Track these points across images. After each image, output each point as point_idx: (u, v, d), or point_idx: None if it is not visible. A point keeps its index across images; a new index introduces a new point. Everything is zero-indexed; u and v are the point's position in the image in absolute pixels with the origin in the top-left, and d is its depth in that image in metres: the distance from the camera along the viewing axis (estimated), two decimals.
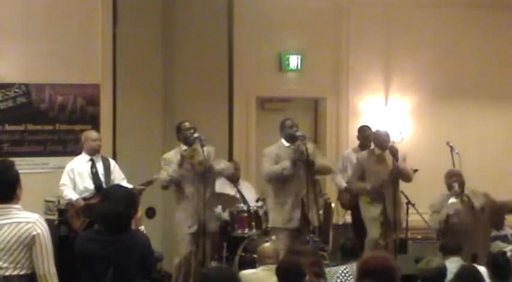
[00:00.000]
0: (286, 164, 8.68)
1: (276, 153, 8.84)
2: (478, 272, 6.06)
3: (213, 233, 9.01)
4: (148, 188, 9.03)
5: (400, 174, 9.23)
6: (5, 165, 5.14)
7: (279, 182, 8.80)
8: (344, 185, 10.33)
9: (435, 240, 8.85)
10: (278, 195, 8.85)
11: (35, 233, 4.94)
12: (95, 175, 9.00)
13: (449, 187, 8.95)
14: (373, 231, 9.24)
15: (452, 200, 8.64)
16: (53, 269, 5.00)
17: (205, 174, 8.64)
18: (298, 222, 8.77)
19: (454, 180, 8.77)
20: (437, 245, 7.88)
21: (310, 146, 8.92)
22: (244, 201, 9.90)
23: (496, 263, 6.20)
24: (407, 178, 9.36)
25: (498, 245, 9.49)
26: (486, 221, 8.91)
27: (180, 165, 8.64)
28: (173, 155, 8.82)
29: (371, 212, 9.32)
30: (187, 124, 8.88)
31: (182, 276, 8.73)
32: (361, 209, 9.55)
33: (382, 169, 9.27)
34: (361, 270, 4.41)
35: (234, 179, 10.17)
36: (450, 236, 8.42)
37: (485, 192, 9.11)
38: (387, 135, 9.49)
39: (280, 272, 5.83)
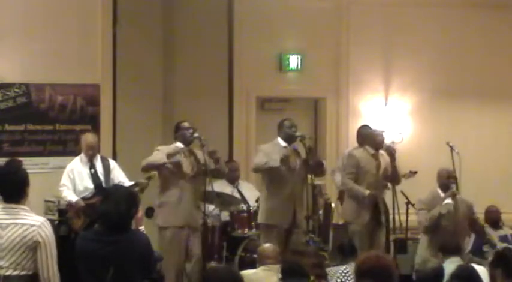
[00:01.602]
0: (276, 162, 8.64)
1: (270, 151, 8.79)
2: (474, 271, 6.03)
3: (211, 230, 9.02)
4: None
5: (394, 175, 9.15)
6: (14, 165, 5.22)
7: (265, 174, 8.77)
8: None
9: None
10: (271, 193, 8.82)
11: (38, 237, 4.98)
12: (93, 175, 9.02)
13: (444, 187, 8.95)
14: (360, 246, 8.92)
15: (448, 200, 8.67)
16: (56, 272, 5.04)
17: (203, 175, 8.62)
18: (288, 223, 8.73)
19: (452, 181, 8.78)
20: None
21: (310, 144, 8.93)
22: (244, 201, 9.90)
23: (507, 261, 6.06)
24: (398, 180, 9.28)
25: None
26: (466, 228, 9.02)
27: (167, 159, 8.56)
28: (167, 149, 8.77)
29: (356, 222, 9.05)
30: (186, 124, 8.86)
31: (175, 275, 8.69)
32: (344, 214, 9.42)
33: (375, 169, 9.20)
34: (359, 271, 4.41)
35: (233, 179, 10.16)
36: (439, 234, 8.46)
37: (471, 204, 9.13)
38: (381, 135, 9.43)
39: (287, 272, 5.80)
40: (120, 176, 9.05)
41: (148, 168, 8.64)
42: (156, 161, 8.53)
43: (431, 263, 5.93)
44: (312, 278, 5.75)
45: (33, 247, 4.98)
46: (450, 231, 8.60)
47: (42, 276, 5.00)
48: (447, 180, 8.87)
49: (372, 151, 9.22)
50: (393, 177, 9.15)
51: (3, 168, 5.24)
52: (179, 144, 8.74)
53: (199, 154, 8.68)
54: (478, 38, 11.91)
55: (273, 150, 8.81)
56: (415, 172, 10.05)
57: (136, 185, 8.72)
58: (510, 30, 12.00)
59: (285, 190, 8.74)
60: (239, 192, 10.10)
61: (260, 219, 8.97)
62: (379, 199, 9.14)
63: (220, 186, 9.75)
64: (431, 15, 11.86)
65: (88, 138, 9.29)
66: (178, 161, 8.56)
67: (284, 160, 8.65)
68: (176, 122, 9.02)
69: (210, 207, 9.18)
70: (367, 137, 9.40)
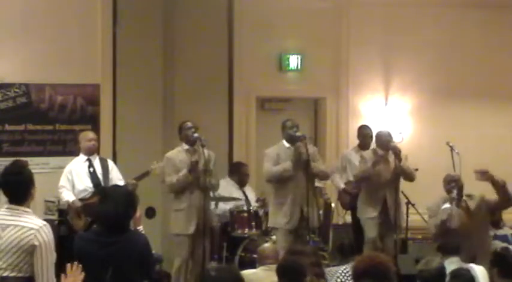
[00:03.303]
0: (288, 164, 8.70)
1: (277, 154, 8.87)
2: (469, 272, 6.02)
3: (213, 231, 9.03)
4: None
5: (403, 174, 9.26)
6: (19, 165, 5.20)
7: (279, 182, 8.81)
8: (342, 186, 10.27)
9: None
10: (278, 196, 8.88)
11: (35, 241, 4.96)
12: (93, 174, 9.01)
13: (448, 192, 8.93)
14: (370, 233, 9.24)
15: (445, 205, 8.64)
16: (52, 278, 5.01)
17: (205, 175, 8.62)
18: (297, 222, 8.77)
19: (453, 185, 8.77)
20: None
21: (310, 147, 8.93)
22: (248, 203, 9.93)
23: (504, 260, 6.04)
24: (411, 177, 9.37)
25: (497, 245, 9.48)
26: (484, 221, 8.89)
27: (192, 171, 8.62)
28: (176, 154, 8.81)
29: (368, 213, 9.32)
30: (188, 123, 8.88)
31: (182, 277, 8.71)
32: (358, 209, 9.55)
33: (385, 169, 9.27)
34: (355, 273, 4.42)
35: (243, 183, 10.22)
36: (448, 238, 8.41)
37: (482, 195, 9.09)
38: (389, 135, 9.48)
39: (281, 271, 5.82)
40: (117, 178, 9.04)
41: (178, 189, 8.71)
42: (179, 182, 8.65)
43: (434, 262, 5.91)
44: (308, 277, 5.75)
45: (30, 251, 4.96)
46: (464, 233, 8.52)
47: (37, 280, 4.98)
48: (449, 186, 8.85)
49: (381, 152, 9.27)
50: (403, 175, 9.22)
51: (7, 169, 5.22)
52: (184, 146, 8.78)
53: (200, 153, 8.68)
54: (478, 38, 11.90)
55: (279, 152, 8.85)
56: (416, 169, 10.04)
57: (126, 185, 8.72)
58: (510, 30, 11.99)
59: (290, 191, 8.78)
60: (244, 194, 10.16)
61: (270, 223, 9.03)
62: (389, 199, 9.19)
63: (228, 187, 9.80)
64: (431, 15, 11.85)
65: (88, 134, 9.34)
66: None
67: (296, 163, 8.70)
68: (179, 123, 9.03)
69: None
70: (376, 139, 9.49)
